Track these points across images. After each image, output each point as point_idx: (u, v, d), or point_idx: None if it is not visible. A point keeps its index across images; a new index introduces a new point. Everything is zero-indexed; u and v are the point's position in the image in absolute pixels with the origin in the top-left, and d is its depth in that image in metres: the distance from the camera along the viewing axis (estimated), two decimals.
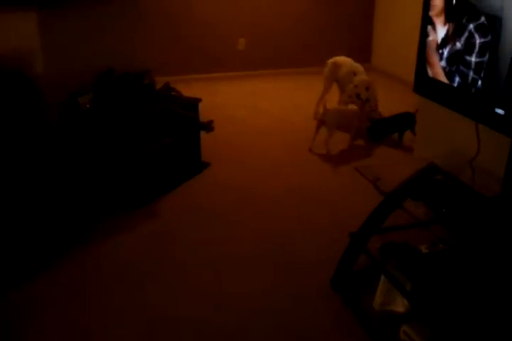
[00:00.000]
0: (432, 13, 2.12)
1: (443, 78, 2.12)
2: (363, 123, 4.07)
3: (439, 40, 2.10)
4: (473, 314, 1.69)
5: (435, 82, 2.17)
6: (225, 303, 2.28)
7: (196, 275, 2.47)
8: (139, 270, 2.51)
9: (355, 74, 4.30)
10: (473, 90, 1.95)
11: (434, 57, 2.15)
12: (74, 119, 2.99)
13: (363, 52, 6.27)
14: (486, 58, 1.85)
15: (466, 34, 1.94)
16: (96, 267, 2.54)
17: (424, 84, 2.27)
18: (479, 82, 1.92)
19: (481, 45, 1.86)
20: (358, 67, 4.39)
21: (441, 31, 2.08)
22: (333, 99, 4.50)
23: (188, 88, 3.95)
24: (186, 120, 3.42)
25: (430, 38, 2.15)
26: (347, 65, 4.40)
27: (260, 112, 4.79)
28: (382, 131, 4.12)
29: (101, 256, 2.61)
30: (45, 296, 2.32)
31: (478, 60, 1.90)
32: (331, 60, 4.48)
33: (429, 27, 2.13)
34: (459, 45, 1.98)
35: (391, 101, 4.92)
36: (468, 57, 1.94)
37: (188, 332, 2.11)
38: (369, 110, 4.15)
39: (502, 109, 1.82)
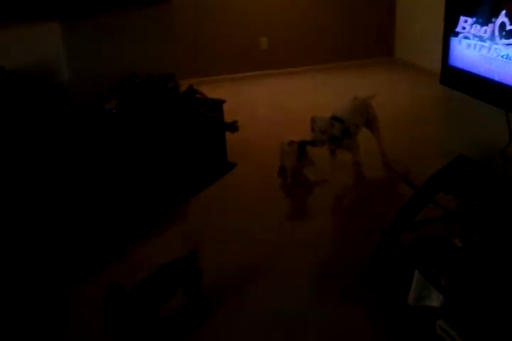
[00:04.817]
0: None
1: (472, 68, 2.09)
2: None
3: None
4: (509, 307, 1.66)
5: (462, 72, 2.14)
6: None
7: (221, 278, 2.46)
8: None
9: None
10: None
11: None
12: (100, 125, 3.03)
13: (385, 45, 6.23)
14: None
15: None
16: (129, 270, 2.55)
17: (450, 75, 2.24)
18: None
19: None
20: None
21: None
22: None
23: (212, 89, 3.96)
24: (211, 121, 3.43)
25: None
26: None
27: (284, 111, 4.77)
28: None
29: (133, 260, 2.64)
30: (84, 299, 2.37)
31: None
32: None
33: None
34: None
35: (416, 94, 4.86)
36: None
37: None
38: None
39: None
